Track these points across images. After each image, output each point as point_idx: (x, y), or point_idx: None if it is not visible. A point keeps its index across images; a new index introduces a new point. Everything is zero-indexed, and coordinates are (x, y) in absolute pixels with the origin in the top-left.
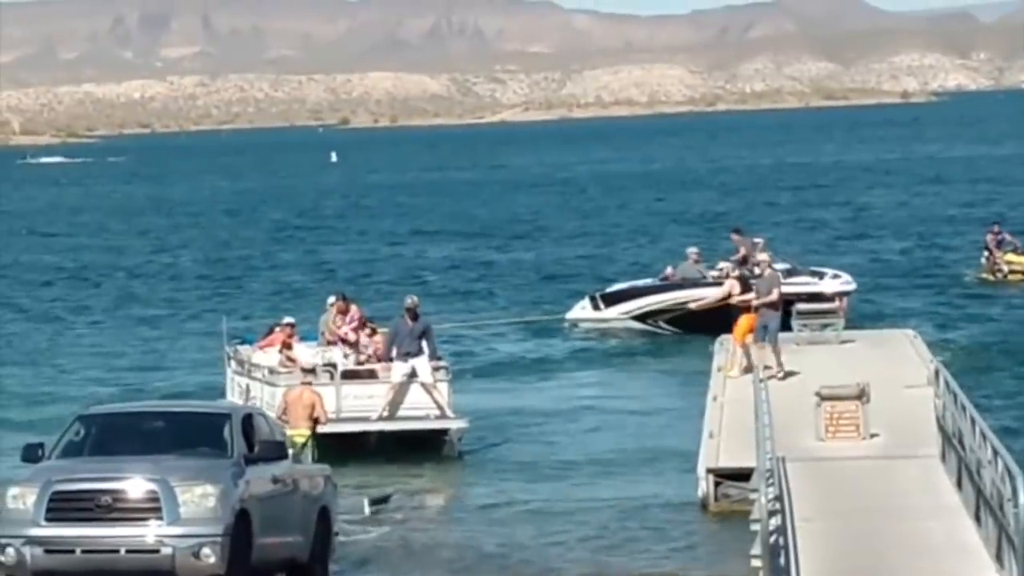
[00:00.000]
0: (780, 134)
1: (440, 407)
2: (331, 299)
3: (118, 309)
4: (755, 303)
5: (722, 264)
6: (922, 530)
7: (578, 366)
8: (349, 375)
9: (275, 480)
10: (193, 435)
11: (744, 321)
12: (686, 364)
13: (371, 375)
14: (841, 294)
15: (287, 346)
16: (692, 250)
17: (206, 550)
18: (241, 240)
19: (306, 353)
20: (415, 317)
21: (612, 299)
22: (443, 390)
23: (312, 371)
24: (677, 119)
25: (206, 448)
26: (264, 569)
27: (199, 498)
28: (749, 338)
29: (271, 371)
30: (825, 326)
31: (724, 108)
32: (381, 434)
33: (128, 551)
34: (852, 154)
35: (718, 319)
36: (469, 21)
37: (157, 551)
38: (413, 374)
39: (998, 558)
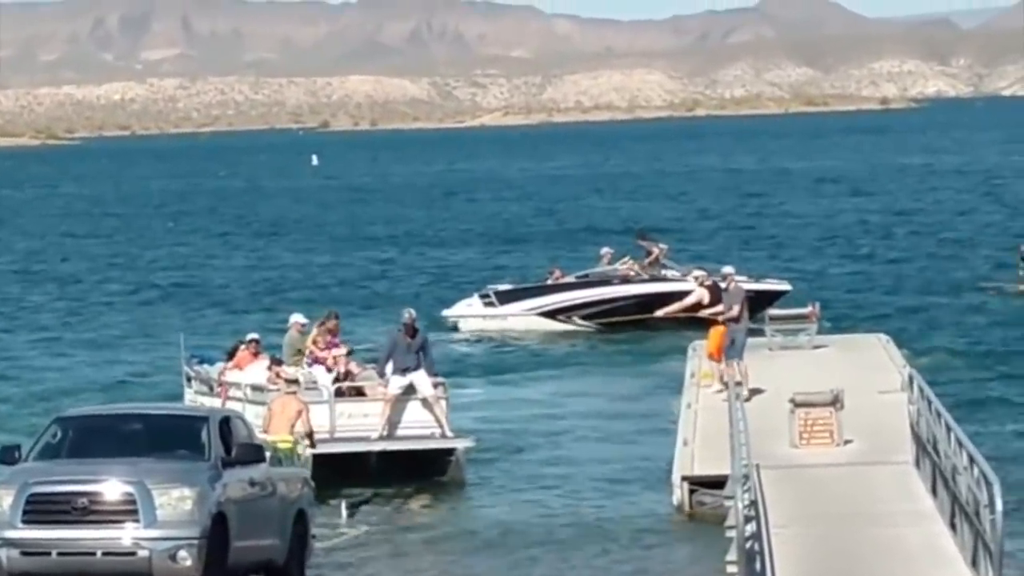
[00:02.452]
0: (758, 140)
1: (441, 424)
2: (294, 318)
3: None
4: (722, 317)
5: (696, 272)
6: (898, 536)
7: (535, 370)
8: (342, 392)
9: (252, 483)
10: (171, 438)
11: (715, 334)
12: (653, 368)
13: (361, 392)
14: (773, 293)
15: (276, 362)
16: (605, 250)
17: (183, 553)
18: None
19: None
20: (413, 333)
21: (510, 296)
22: (443, 406)
23: (295, 382)
24: (656, 124)
25: (184, 451)
26: (241, 572)
27: (176, 501)
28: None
29: (255, 388)
30: (798, 330)
31: (704, 113)
32: (382, 454)
33: (104, 553)
34: (828, 160)
35: (632, 315)
36: (450, 25)
37: (134, 554)
38: (410, 389)
39: (974, 564)
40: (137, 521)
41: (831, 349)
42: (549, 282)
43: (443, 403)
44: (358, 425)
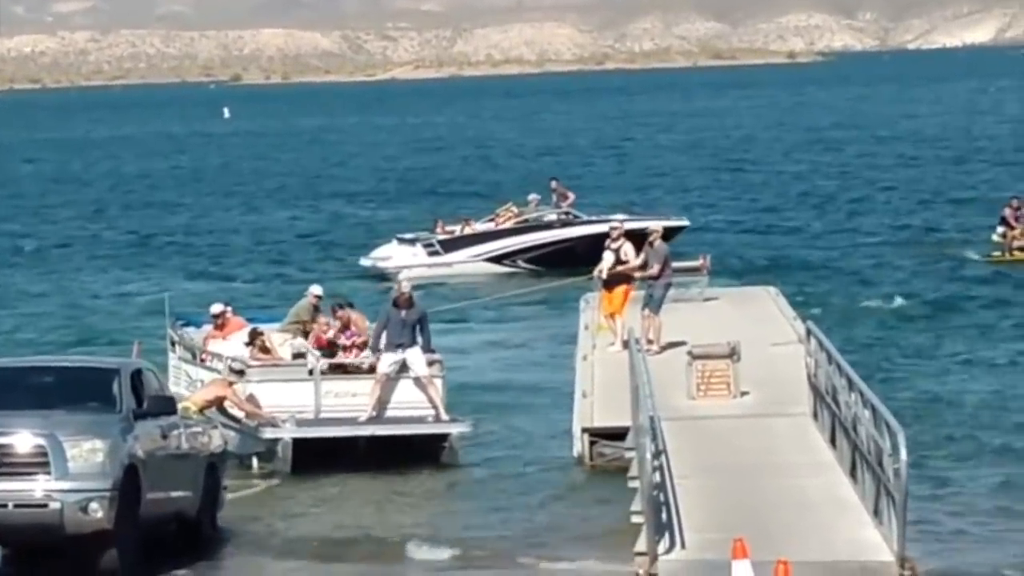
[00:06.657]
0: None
1: (435, 406)
2: (312, 289)
3: None
4: (638, 275)
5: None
6: (799, 486)
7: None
8: (331, 369)
9: (164, 435)
10: (82, 390)
11: (620, 293)
12: (552, 320)
13: (352, 369)
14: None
15: (257, 333)
16: (533, 196)
17: (94, 505)
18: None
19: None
20: (409, 304)
21: (455, 244)
22: (438, 386)
23: (241, 372)
24: (565, 77)
25: (95, 403)
26: (152, 523)
27: (87, 453)
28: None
29: (235, 361)
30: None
31: (613, 67)
32: (372, 438)
33: (16, 506)
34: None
35: (576, 256)
36: None
37: (45, 506)
38: (403, 367)
39: (876, 513)
40: (48, 473)
41: (722, 301)
42: (437, 233)
43: (438, 383)
44: (345, 405)
